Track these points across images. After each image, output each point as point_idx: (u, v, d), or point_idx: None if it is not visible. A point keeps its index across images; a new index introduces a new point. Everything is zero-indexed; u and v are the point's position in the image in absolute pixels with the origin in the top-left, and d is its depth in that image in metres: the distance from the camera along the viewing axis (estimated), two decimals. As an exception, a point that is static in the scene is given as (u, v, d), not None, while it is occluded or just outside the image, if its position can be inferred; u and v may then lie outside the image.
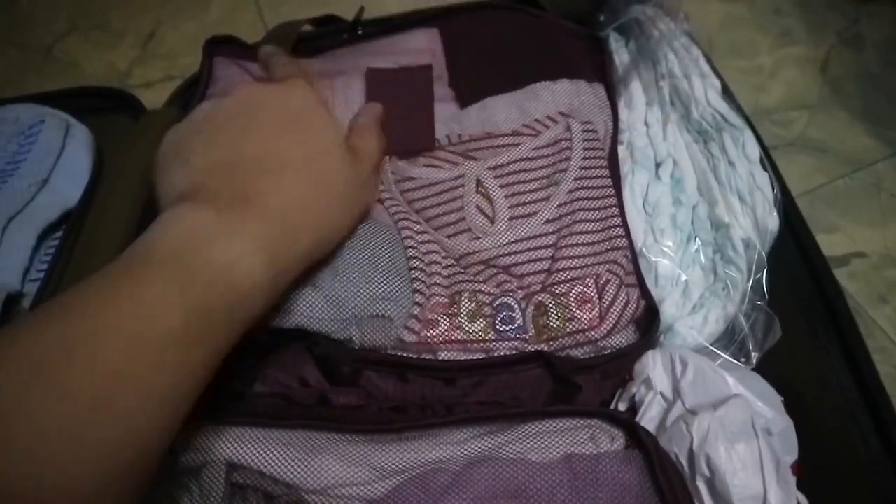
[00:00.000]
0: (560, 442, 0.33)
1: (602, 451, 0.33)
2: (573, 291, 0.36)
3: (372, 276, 0.36)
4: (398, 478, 0.32)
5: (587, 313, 0.35)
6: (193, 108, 0.46)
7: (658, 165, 0.39)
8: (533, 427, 0.34)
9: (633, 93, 0.42)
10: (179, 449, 0.33)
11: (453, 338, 0.35)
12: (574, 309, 0.35)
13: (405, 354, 0.35)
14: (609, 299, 0.35)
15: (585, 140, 0.41)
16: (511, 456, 0.33)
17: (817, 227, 0.58)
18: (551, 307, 0.36)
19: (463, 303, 0.36)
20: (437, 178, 0.42)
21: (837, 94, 0.66)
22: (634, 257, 0.37)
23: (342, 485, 0.32)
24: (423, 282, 0.36)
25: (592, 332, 0.34)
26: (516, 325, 0.35)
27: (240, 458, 0.33)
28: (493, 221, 0.39)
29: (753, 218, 0.37)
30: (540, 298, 0.36)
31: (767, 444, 0.33)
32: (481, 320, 0.35)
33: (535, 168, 0.41)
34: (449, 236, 0.40)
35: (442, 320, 0.35)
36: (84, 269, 0.44)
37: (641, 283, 0.36)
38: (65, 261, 0.44)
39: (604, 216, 0.38)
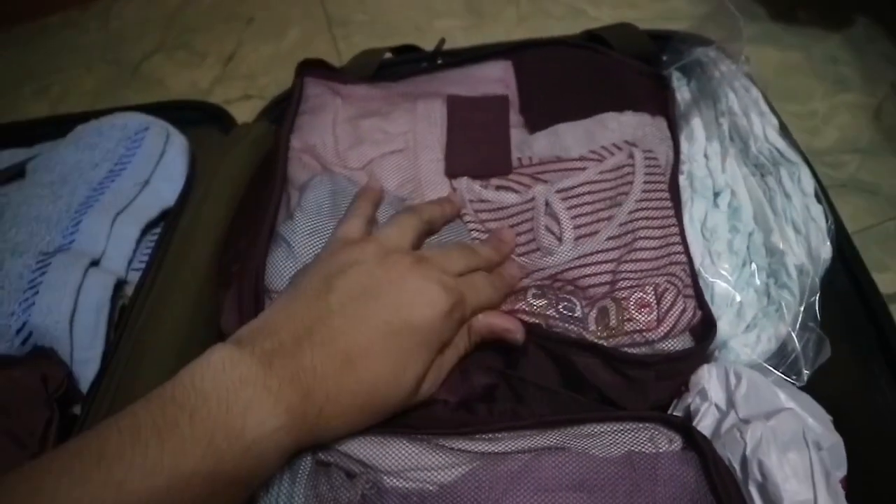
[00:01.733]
0: (621, 440, 0.35)
1: (661, 450, 0.35)
2: (633, 297, 0.38)
3: None
4: (469, 465, 0.35)
5: (645, 316, 0.37)
6: (286, 121, 0.51)
7: (716, 195, 0.42)
8: (596, 427, 0.36)
9: (693, 128, 0.46)
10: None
11: (517, 307, 0.38)
12: (633, 311, 0.38)
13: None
14: (667, 305, 0.37)
15: (647, 167, 0.44)
16: (577, 450, 0.35)
17: (868, 266, 0.60)
18: (612, 310, 0.38)
19: (530, 289, 0.39)
20: (510, 202, 0.45)
21: (889, 140, 0.68)
22: (693, 272, 0.39)
23: (416, 468, 0.35)
24: None
25: (649, 333, 0.37)
26: (576, 315, 0.38)
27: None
28: (560, 240, 0.43)
29: (807, 247, 0.40)
30: (602, 304, 0.39)
31: (818, 456, 0.35)
32: (544, 300, 0.38)
33: (599, 190, 0.44)
34: (520, 255, 0.43)
35: (509, 299, 0.39)
36: (180, 261, 0.48)
37: (699, 296, 0.38)
38: (162, 254, 0.49)
39: (663, 234, 0.41)
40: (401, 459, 0.35)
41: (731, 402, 0.37)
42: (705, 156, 0.44)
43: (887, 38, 0.78)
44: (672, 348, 0.37)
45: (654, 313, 0.38)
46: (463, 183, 0.46)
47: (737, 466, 0.35)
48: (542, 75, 0.53)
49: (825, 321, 0.39)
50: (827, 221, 0.41)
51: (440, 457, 0.35)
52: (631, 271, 0.40)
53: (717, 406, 0.37)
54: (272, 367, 0.30)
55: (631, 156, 0.45)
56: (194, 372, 0.29)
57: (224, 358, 0.30)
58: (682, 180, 0.43)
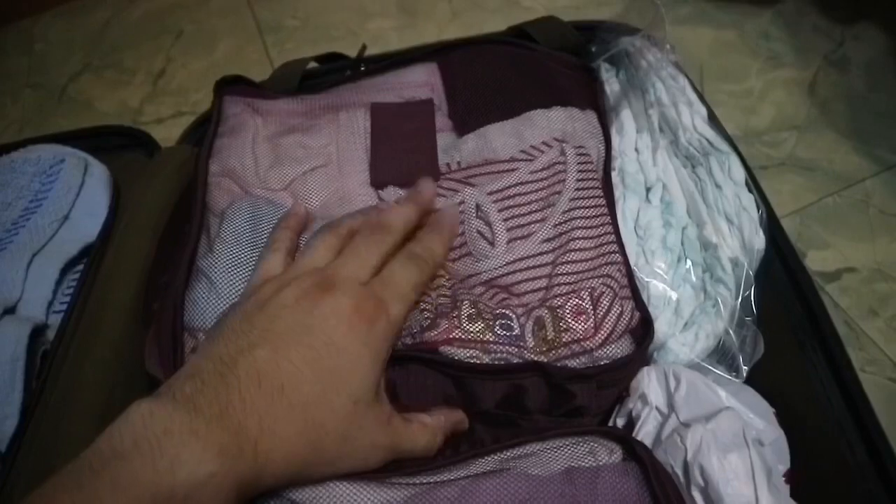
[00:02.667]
0: (560, 456, 0.35)
1: (601, 463, 0.34)
2: (568, 304, 0.37)
3: None
4: (406, 499, 0.34)
5: (582, 324, 0.36)
6: (205, 145, 0.49)
7: (648, 190, 0.41)
8: (535, 446, 0.35)
9: (623, 121, 0.45)
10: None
11: (452, 336, 0.37)
12: (569, 320, 0.37)
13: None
14: (603, 310, 0.36)
15: (579, 163, 0.43)
16: (515, 472, 0.34)
17: (809, 244, 0.60)
18: (548, 320, 0.37)
19: (463, 307, 0.38)
20: (439, 207, 0.44)
21: (825, 115, 0.68)
22: (629, 272, 0.38)
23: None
24: (429, 303, 0.38)
25: (587, 342, 0.36)
26: (514, 334, 0.37)
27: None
28: (493, 244, 0.41)
29: (741, 238, 0.39)
30: (538, 313, 0.38)
31: (758, 454, 0.34)
32: (480, 323, 0.37)
33: (531, 191, 0.43)
34: (453, 260, 0.42)
35: (441, 322, 0.37)
36: (104, 300, 0.46)
37: (636, 296, 0.38)
38: (86, 293, 0.46)
39: (598, 234, 0.40)
40: (334, 499, 0.34)
41: (671, 406, 0.36)
42: (636, 149, 0.43)
43: (817, 10, 0.78)
44: (612, 355, 0.37)
45: (591, 320, 0.37)
46: (390, 193, 0.45)
47: (679, 472, 0.34)
48: (468, 76, 0.51)
49: (763, 312, 0.38)
50: (758, 210, 0.40)
51: (376, 492, 0.34)
52: (566, 274, 0.39)
53: (658, 409, 0.37)
54: (196, 410, 0.28)
55: (562, 153, 0.44)
56: (112, 434, 0.27)
57: (143, 412, 0.28)
58: (615, 176, 0.42)
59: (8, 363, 0.42)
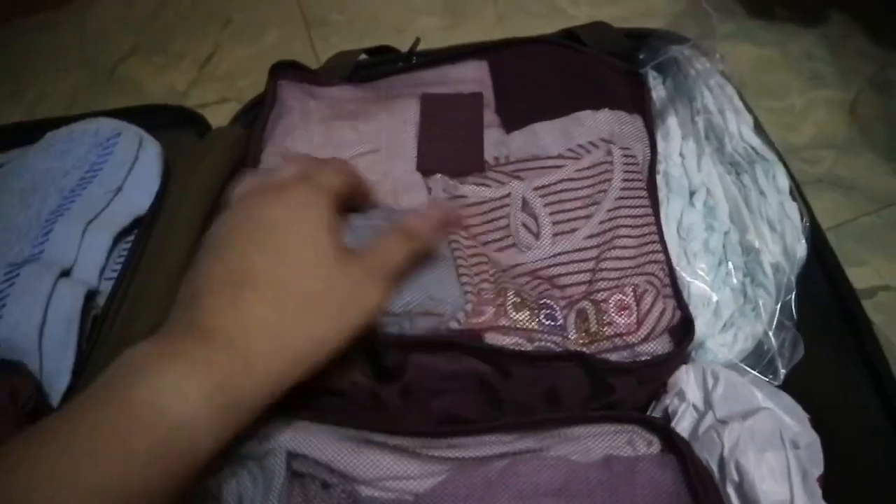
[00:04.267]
0: (600, 444, 0.35)
1: (639, 454, 0.35)
2: (612, 299, 0.38)
3: (423, 282, 0.38)
4: (445, 473, 0.35)
5: (625, 319, 0.37)
6: (259, 124, 0.50)
7: (692, 194, 0.42)
8: (575, 431, 0.36)
9: (669, 126, 0.45)
10: (243, 437, 0.36)
11: (498, 324, 0.37)
12: (613, 314, 0.37)
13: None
14: (646, 307, 0.37)
15: (625, 164, 0.44)
16: (556, 455, 0.35)
17: (844, 261, 0.60)
18: (591, 312, 0.38)
19: (509, 296, 0.38)
20: (486, 197, 0.45)
21: (865, 136, 0.68)
22: (672, 272, 0.39)
23: (392, 477, 0.35)
24: (471, 285, 0.39)
25: (630, 337, 0.37)
26: (558, 324, 0.38)
27: (300, 447, 0.35)
28: (537, 237, 0.42)
29: (783, 244, 0.40)
30: (581, 305, 0.38)
31: (795, 455, 0.35)
32: (526, 311, 0.38)
33: (577, 188, 0.44)
34: (496, 251, 0.43)
35: (488, 310, 0.38)
36: (153, 270, 0.47)
37: (678, 296, 0.38)
38: (136, 263, 0.48)
39: (642, 233, 0.40)
40: (376, 469, 0.35)
41: (708, 403, 0.37)
42: (681, 154, 0.44)
43: (863, 33, 0.78)
44: (652, 351, 0.37)
45: (634, 315, 0.38)
46: (437, 180, 0.46)
47: (714, 467, 0.35)
48: (518, 74, 0.52)
49: (801, 319, 0.39)
50: (802, 219, 0.41)
51: (416, 465, 0.35)
52: (610, 269, 0.40)
53: (694, 407, 0.37)
54: (172, 328, 0.29)
55: (609, 153, 0.45)
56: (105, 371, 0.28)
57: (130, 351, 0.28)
58: (659, 179, 0.43)
59: (63, 323, 0.43)
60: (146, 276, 0.47)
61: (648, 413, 0.39)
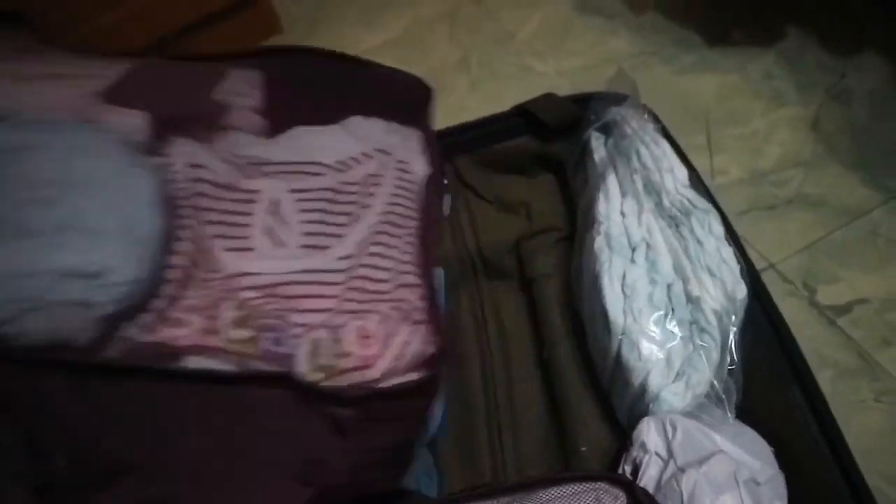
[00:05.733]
0: (569, 504, 0.39)
1: (604, 509, 0.38)
2: (353, 327, 0.34)
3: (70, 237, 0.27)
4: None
5: (364, 350, 0.33)
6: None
7: (633, 250, 0.45)
8: (547, 493, 0.39)
9: (609, 186, 0.49)
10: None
11: (205, 343, 0.30)
12: (351, 345, 0.33)
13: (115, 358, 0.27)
14: (389, 337, 0.34)
15: (397, 179, 0.41)
16: (528, 520, 0.38)
17: (819, 279, 0.62)
18: (326, 343, 0.33)
19: (227, 308, 0.32)
20: (233, 183, 0.38)
21: (830, 149, 0.70)
22: (430, 296, 0.36)
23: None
24: (179, 269, 0.32)
25: (369, 371, 0.33)
26: (282, 352, 0.32)
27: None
28: (283, 247, 0.37)
29: (723, 289, 0.43)
30: (316, 335, 0.34)
31: (750, 494, 0.37)
32: (247, 331, 0.31)
33: (340, 202, 0.40)
34: (224, 250, 0.36)
35: (194, 320, 0.30)
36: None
37: (433, 321, 0.35)
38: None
39: (402, 255, 0.38)
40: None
41: (669, 452, 0.40)
42: (622, 213, 0.47)
43: (818, 45, 0.81)
44: (392, 385, 0.33)
45: (376, 346, 0.33)
46: (178, 144, 0.38)
47: (678, 514, 0.38)
48: (290, 82, 0.48)
49: (750, 357, 0.41)
50: (738, 263, 0.44)
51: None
52: (359, 293, 0.36)
53: (658, 456, 0.40)
54: None
55: (382, 166, 0.42)
56: None
57: None
58: (599, 240, 0.46)
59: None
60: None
61: (621, 465, 0.42)
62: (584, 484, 0.39)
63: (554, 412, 0.50)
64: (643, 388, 0.42)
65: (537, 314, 0.53)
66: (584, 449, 0.45)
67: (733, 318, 0.42)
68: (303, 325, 0.34)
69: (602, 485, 0.39)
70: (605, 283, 0.44)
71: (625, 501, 0.38)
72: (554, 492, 0.39)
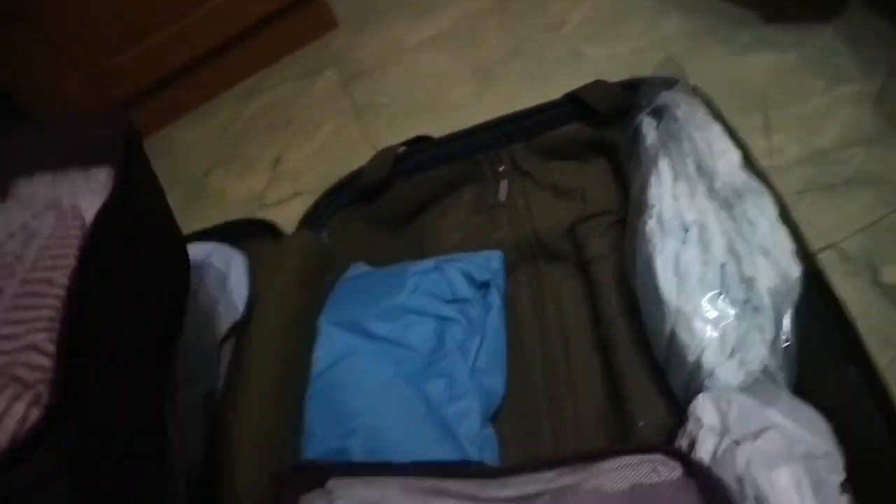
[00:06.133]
0: (628, 475, 0.41)
1: (662, 479, 0.40)
2: None
3: None
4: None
5: None
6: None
7: (686, 232, 0.47)
8: (605, 465, 0.41)
9: (661, 170, 0.50)
10: (335, 496, 0.44)
11: None
12: None
13: None
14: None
15: (52, 228, 0.39)
16: (589, 488, 0.41)
17: (882, 258, 0.61)
18: None
19: None
20: None
21: (893, 126, 0.69)
22: (62, 344, 0.31)
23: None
24: None
25: None
26: None
27: (381, 502, 0.43)
28: None
29: (777, 269, 0.44)
30: None
31: (806, 467, 0.38)
32: None
33: None
34: None
35: None
36: (245, 367, 0.57)
37: (62, 375, 0.30)
38: (238, 362, 0.58)
39: (32, 313, 0.33)
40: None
41: (725, 426, 0.41)
42: (674, 196, 0.49)
43: (880, 17, 0.79)
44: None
45: None
46: None
47: (734, 485, 0.39)
48: None
49: (804, 336, 0.42)
50: (792, 243, 0.44)
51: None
52: None
53: (713, 430, 0.42)
54: None
55: (33, 217, 0.39)
56: None
57: None
58: (652, 224, 0.47)
59: (191, 421, 0.54)
60: (246, 372, 0.57)
61: (677, 440, 0.44)
62: (641, 456, 0.41)
63: (612, 389, 0.52)
64: (698, 366, 0.43)
65: (594, 295, 0.55)
66: (641, 424, 0.47)
67: (788, 297, 0.43)
68: None
69: (659, 457, 0.41)
70: (658, 265, 0.45)
71: (681, 472, 0.40)
72: (612, 463, 0.41)
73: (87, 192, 0.41)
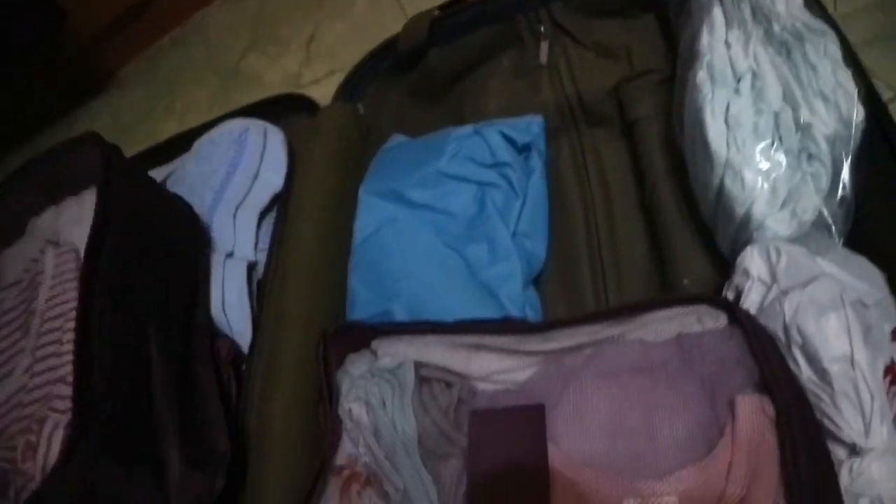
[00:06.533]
0: (672, 325, 0.40)
1: (707, 329, 0.40)
2: (21, 443, 0.35)
3: None
4: (542, 362, 0.42)
5: (30, 465, 0.35)
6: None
7: (738, 81, 0.44)
8: (649, 316, 0.41)
9: (714, 17, 0.46)
10: (379, 350, 0.46)
11: None
12: (20, 463, 0.35)
13: None
14: (47, 442, 0.35)
15: (55, 266, 0.42)
16: (633, 339, 0.41)
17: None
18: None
19: None
20: None
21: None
22: (77, 374, 0.36)
23: (500, 372, 0.43)
24: None
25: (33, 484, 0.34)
26: None
27: (424, 358, 0.44)
28: None
29: (837, 115, 0.41)
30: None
31: (857, 314, 0.37)
32: None
33: (12, 316, 0.41)
34: None
35: None
36: (292, 237, 0.58)
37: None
38: (280, 233, 0.59)
39: (57, 348, 0.38)
40: (486, 367, 0.43)
41: (773, 277, 0.40)
42: (726, 43, 0.45)
43: None
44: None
45: (41, 458, 0.35)
46: None
47: (780, 334, 0.38)
48: None
49: (863, 184, 0.40)
50: (856, 86, 0.41)
51: (517, 360, 0.43)
52: (28, 404, 0.37)
53: (761, 282, 0.41)
54: None
55: (37, 260, 0.42)
56: None
57: None
58: (702, 74, 0.44)
59: (236, 293, 0.55)
60: (289, 243, 0.58)
61: (723, 292, 0.43)
62: (686, 307, 0.41)
63: (656, 251, 0.51)
64: (747, 218, 0.42)
65: (638, 157, 0.53)
66: (686, 281, 0.47)
67: (847, 144, 0.41)
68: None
69: (704, 307, 0.40)
70: (708, 116, 0.43)
71: (726, 322, 0.39)
72: (656, 314, 0.41)
73: (78, 222, 0.44)
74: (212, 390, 0.47)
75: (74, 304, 0.39)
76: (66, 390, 0.37)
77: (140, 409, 0.42)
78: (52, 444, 0.35)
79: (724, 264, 0.46)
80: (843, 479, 0.35)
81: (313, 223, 0.58)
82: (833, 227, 0.39)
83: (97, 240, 0.41)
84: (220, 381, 0.50)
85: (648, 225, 0.52)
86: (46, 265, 0.43)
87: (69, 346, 0.38)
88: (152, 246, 0.50)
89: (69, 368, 0.37)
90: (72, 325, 0.38)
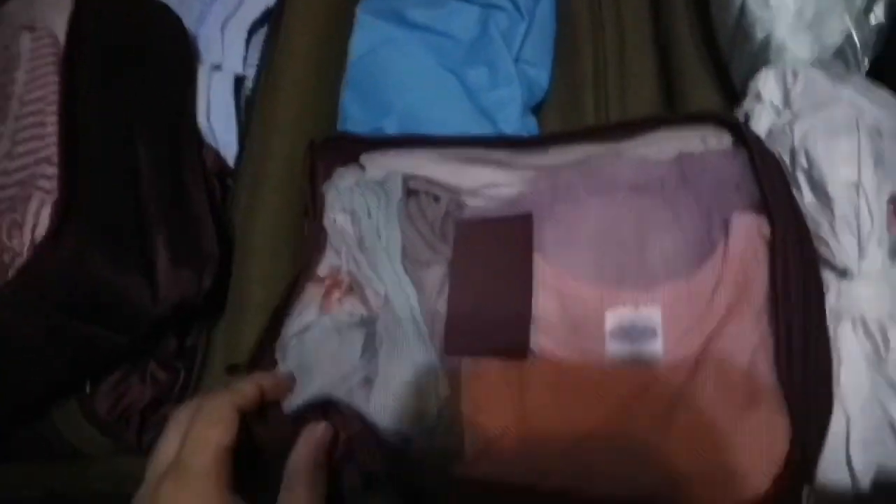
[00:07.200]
0: (674, 145, 0.38)
1: (710, 148, 0.38)
2: (4, 221, 0.35)
3: None
4: (534, 178, 0.40)
5: (17, 241, 0.35)
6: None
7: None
8: (651, 136, 0.39)
9: None
10: (367, 165, 0.44)
11: None
12: (6, 240, 0.35)
13: None
14: (34, 219, 0.35)
15: (33, 51, 0.41)
16: (633, 155, 0.39)
17: None
18: None
19: None
20: None
21: None
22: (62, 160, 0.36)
23: (489, 186, 0.41)
24: None
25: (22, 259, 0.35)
26: None
27: (414, 170, 0.43)
28: None
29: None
30: None
31: (870, 141, 0.35)
32: None
33: None
34: None
35: None
36: (283, 53, 0.54)
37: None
38: (272, 47, 0.55)
39: (36, 131, 0.37)
40: (476, 180, 0.41)
41: (787, 101, 0.38)
42: None
43: None
44: None
45: (28, 235, 0.35)
46: None
47: (787, 158, 0.37)
48: None
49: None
50: None
51: (509, 174, 0.41)
52: (7, 186, 0.37)
53: (773, 106, 0.39)
54: None
55: (12, 38, 0.41)
56: None
57: None
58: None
59: (223, 105, 0.53)
60: (281, 57, 0.55)
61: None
62: (689, 128, 0.39)
63: (665, 91, 0.49)
64: (766, 42, 0.39)
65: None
66: (693, 114, 0.44)
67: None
68: None
69: (708, 126, 0.38)
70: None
71: (729, 141, 0.38)
72: (659, 134, 0.39)
73: (55, 7, 0.42)
74: (199, 193, 0.46)
75: (55, 87, 0.39)
76: (51, 170, 0.36)
77: (128, 200, 0.41)
78: (39, 219, 0.35)
79: (738, 103, 0.43)
80: (830, 300, 0.34)
81: (306, 39, 0.55)
82: (858, 54, 0.37)
83: (77, 23, 0.40)
84: (209, 186, 0.49)
85: (662, 63, 0.49)
86: (22, 48, 0.41)
87: (53, 129, 0.38)
88: (136, 45, 0.48)
89: (54, 150, 0.37)
90: (54, 107, 0.38)
